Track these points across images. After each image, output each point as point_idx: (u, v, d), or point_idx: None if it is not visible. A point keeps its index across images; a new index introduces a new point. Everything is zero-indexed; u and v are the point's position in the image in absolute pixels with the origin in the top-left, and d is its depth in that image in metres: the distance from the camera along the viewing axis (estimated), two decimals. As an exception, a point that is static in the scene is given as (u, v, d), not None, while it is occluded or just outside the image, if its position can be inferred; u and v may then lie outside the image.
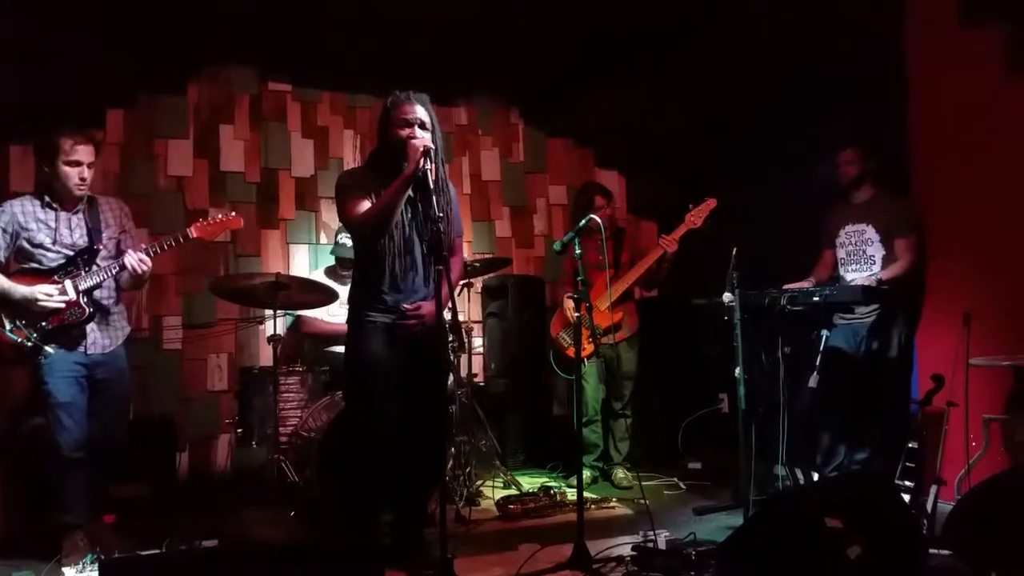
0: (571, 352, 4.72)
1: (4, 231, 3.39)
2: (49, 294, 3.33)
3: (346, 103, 5.62)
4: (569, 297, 4.63)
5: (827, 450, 4.11)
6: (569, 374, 4.78)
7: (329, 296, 4.37)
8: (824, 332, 3.89)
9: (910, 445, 3.42)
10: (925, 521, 3.27)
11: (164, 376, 4.98)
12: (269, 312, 4.23)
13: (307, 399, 4.36)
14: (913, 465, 3.39)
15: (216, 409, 5.10)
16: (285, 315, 5.05)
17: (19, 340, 3.31)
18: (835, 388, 3.91)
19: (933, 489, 3.34)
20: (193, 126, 5.22)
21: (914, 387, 4.08)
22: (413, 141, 3.03)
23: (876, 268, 4.08)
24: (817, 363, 3.81)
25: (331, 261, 5.06)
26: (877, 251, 4.11)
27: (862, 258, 4.16)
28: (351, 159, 5.60)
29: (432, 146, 3.04)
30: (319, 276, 4.90)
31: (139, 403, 4.59)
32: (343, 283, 4.77)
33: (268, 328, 4.33)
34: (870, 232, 4.14)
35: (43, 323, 3.34)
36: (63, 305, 3.35)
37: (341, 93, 5.60)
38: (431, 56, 5.23)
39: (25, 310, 3.32)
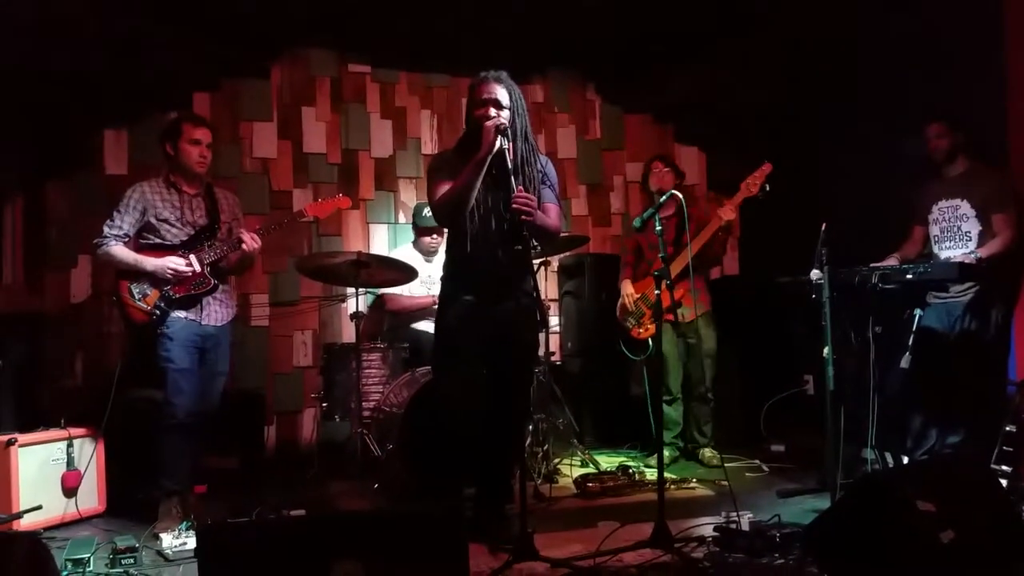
0: (635, 333, 4.68)
1: (135, 207, 3.64)
2: (178, 264, 3.59)
3: (423, 83, 5.68)
4: (651, 275, 4.58)
5: (918, 433, 3.99)
6: (637, 356, 4.73)
7: (409, 274, 4.43)
8: (917, 311, 3.78)
9: (1007, 428, 3.31)
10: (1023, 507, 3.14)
11: (253, 352, 5.14)
12: (351, 290, 4.32)
13: (388, 375, 4.44)
14: (1011, 449, 3.28)
15: (301, 384, 5.25)
16: (366, 293, 5.14)
17: (148, 308, 3.58)
18: (928, 369, 3.79)
19: (1032, 474, 3.22)
20: (276, 108, 5.35)
21: (1011, 368, 3.93)
22: (487, 123, 3.03)
23: (972, 245, 3.92)
24: (909, 343, 3.71)
25: (412, 237, 5.08)
26: (973, 227, 3.94)
27: (957, 234, 3.99)
28: (428, 139, 5.66)
29: (504, 123, 3.02)
30: (406, 251, 4.95)
31: (229, 378, 4.70)
32: (427, 259, 4.83)
33: (350, 306, 4.42)
34: (965, 207, 3.97)
35: (169, 292, 3.59)
36: (190, 275, 3.61)
37: (418, 73, 5.65)
38: (506, 33, 5.20)
39: (153, 281, 3.59)
